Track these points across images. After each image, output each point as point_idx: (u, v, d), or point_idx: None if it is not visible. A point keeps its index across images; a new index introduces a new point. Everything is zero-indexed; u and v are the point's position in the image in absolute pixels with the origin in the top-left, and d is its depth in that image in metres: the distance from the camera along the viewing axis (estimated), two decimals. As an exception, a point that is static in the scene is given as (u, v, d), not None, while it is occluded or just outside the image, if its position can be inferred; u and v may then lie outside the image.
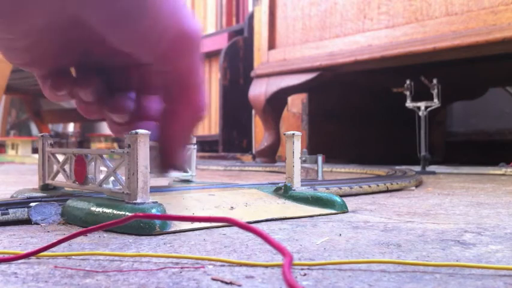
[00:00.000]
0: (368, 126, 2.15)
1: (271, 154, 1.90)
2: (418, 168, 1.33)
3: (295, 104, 2.12)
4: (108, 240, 0.34)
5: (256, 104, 1.89)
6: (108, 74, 0.38)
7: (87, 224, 0.38)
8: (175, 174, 0.59)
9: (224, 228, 0.39)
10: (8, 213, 0.41)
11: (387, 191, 0.74)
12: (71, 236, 0.29)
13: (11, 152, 2.40)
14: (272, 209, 0.47)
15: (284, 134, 0.52)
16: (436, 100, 1.33)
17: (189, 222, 0.38)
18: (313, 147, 1.93)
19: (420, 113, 1.35)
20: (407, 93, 1.37)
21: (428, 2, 1.40)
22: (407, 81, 1.39)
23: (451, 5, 1.35)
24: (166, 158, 0.38)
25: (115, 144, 2.90)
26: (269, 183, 0.59)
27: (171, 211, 0.40)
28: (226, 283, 0.24)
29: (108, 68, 0.38)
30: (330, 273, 0.26)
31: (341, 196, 0.54)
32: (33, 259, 0.29)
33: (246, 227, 0.25)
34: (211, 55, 2.64)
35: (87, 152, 0.45)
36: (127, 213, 0.37)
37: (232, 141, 2.47)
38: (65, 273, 0.26)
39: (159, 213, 0.37)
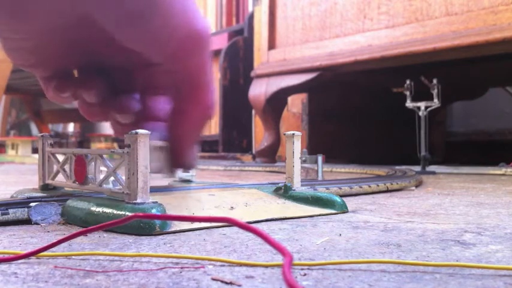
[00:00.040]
0: (368, 126, 2.15)
1: (271, 154, 1.90)
2: (418, 168, 1.33)
3: (295, 104, 2.12)
4: (108, 240, 0.34)
5: (256, 104, 1.89)
6: (112, 76, 0.38)
7: (87, 224, 0.38)
8: (182, 174, 0.59)
9: (224, 228, 0.39)
10: (8, 213, 0.41)
11: (387, 191, 0.74)
12: (71, 236, 0.29)
13: (11, 152, 2.40)
14: (272, 209, 0.47)
15: (284, 134, 0.52)
16: (436, 100, 1.33)
17: (189, 222, 0.38)
18: (313, 147, 1.93)
19: (420, 113, 1.35)
20: (407, 93, 1.37)
21: (428, 2, 1.40)
22: (407, 81, 1.39)
23: (451, 5, 1.35)
24: (176, 158, 0.38)
25: (115, 144, 2.90)
26: (269, 183, 0.59)
27: (171, 211, 0.40)
28: (226, 283, 0.24)
29: (113, 69, 0.38)
30: (330, 273, 0.26)
31: (341, 196, 0.54)
32: (33, 259, 0.29)
33: (246, 227, 0.25)
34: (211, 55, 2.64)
35: (87, 152, 0.45)
36: (127, 213, 0.37)
37: (232, 141, 2.47)
38: (65, 273, 0.26)
39: (159, 213, 0.37)
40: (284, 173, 0.53)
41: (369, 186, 0.71)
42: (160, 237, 0.36)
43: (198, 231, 0.38)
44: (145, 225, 0.36)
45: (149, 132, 0.38)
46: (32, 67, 0.35)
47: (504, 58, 1.55)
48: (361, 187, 0.70)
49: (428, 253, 0.31)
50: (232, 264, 0.28)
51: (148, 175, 0.39)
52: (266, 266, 0.27)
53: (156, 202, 0.39)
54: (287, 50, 1.80)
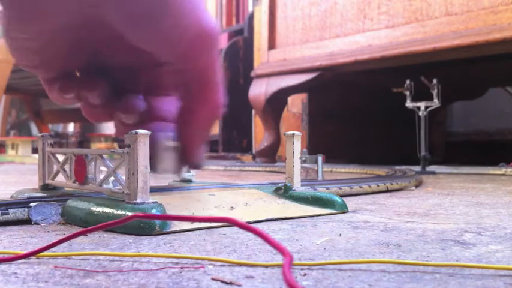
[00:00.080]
0: (368, 126, 2.15)
1: (271, 154, 1.90)
2: (418, 168, 1.33)
3: (295, 104, 2.12)
4: (108, 240, 0.34)
5: (256, 104, 1.89)
6: (115, 76, 0.38)
7: (87, 224, 0.38)
8: (183, 174, 0.59)
9: (224, 228, 0.39)
10: (8, 213, 0.41)
11: (387, 191, 0.74)
12: (71, 236, 0.29)
13: (11, 152, 2.40)
14: (272, 209, 0.47)
15: (284, 134, 0.52)
16: (436, 100, 1.33)
17: (189, 222, 0.38)
18: (313, 147, 1.93)
19: (420, 113, 1.35)
20: (407, 93, 1.37)
21: (428, 2, 1.40)
22: (407, 81, 1.39)
23: (451, 5, 1.35)
24: (184, 157, 0.38)
25: (115, 144, 2.90)
26: (269, 183, 0.59)
27: (171, 211, 0.40)
28: (226, 283, 0.24)
29: (116, 69, 0.38)
30: (330, 273, 0.26)
31: (341, 196, 0.54)
32: (33, 259, 0.29)
33: (246, 227, 0.25)
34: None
35: (87, 152, 0.45)
36: (127, 213, 0.37)
37: (232, 141, 2.47)
38: (65, 273, 0.26)
39: (159, 213, 0.37)
40: (284, 173, 0.53)
41: (369, 186, 0.71)
42: (160, 237, 0.36)
43: (198, 231, 0.38)
44: (145, 225, 0.36)
45: (149, 132, 0.38)
46: (36, 68, 0.35)
47: (504, 58, 1.55)
48: (361, 187, 0.70)
49: (428, 253, 0.31)
50: (232, 264, 0.28)
51: (148, 175, 0.39)
52: (266, 266, 0.27)
53: (156, 202, 0.39)
54: (287, 50, 1.80)
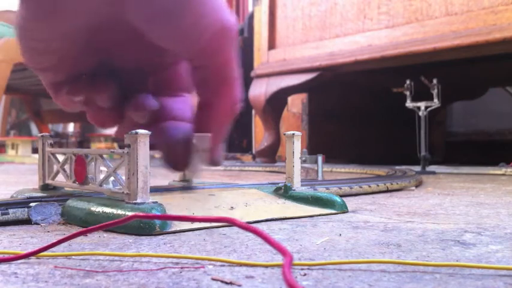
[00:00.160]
0: (368, 126, 2.15)
1: (271, 154, 1.90)
2: (418, 168, 1.33)
3: (295, 104, 2.12)
4: (108, 240, 0.34)
5: (256, 104, 1.89)
6: (125, 78, 0.38)
7: (87, 224, 0.38)
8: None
9: (224, 228, 0.39)
10: (8, 213, 0.41)
11: (387, 191, 0.74)
12: (71, 236, 0.29)
13: (11, 152, 2.40)
14: (272, 209, 0.47)
15: (284, 134, 0.52)
16: (436, 100, 1.33)
17: (189, 222, 0.38)
18: (313, 147, 1.93)
19: (420, 113, 1.35)
20: (407, 93, 1.37)
21: (428, 2, 1.40)
22: (407, 81, 1.39)
23: (451, 5, 1.35)
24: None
25: (115, 144, 2.90)
26: (269, 183, 0.59)
27: (171, 211, 0.40)
28: (226, 283, 0.24)
29: (127, 71, 0.38)
30: (330, 273, 0.26)
31: (341, 196, 0.53)
32: (33, 259, 0.29)
33: (246, 227, 0.25)
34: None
35: (87, 152, 0.45)
36: (127, 213, 0.37)
37: (232, 141, 2.47)
38: (65, 273, 0.26)
39: (159, 213, 0.37)
40: (284, 173, 0.53)
41: (369, 186, 0.71)
42: (161, 237, 0.36)
43: (198, 231, 0.38)
44: (145, 225, 0.36)
45: (149, 132, 0.38)
46: (47, 70, 0.34)
47: (504, 58, 1.55)
48: (361, 187, 0.70)
49: (428, 253, 0.31)
50: (232, 264, 0.28)
51: (148, 175, 0.39)
52: (266, 266, 0.27)
53: (156, 202, 0.39)
54: (287, 50, 1.80)
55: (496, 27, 1.25)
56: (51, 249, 0.29)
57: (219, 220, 0.26)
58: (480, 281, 0.24)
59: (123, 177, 0.39)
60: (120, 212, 0.38)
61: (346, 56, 1.57)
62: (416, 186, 0.84)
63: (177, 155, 0.39)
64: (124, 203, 0.39)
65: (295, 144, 0.51)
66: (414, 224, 0.43)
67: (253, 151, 2.30)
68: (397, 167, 1.32)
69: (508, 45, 1.26)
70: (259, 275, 0.25)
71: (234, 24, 0.33)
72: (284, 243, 0.34)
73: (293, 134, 0.51)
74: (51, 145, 0.49)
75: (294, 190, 0.51)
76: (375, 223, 0.43)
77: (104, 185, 0.43)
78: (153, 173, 0.42)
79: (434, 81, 1.35)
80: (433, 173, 1.28)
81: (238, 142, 2.49)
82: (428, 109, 1.35)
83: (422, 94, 1.40)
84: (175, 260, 0.29)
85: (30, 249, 0.29)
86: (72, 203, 0.42)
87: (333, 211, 0.49)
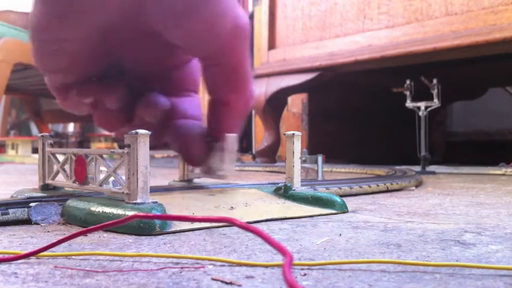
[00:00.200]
0: (368, 126, 2.15)
1: (271, 154, 1.90)
2: (418, 168, 1.33)
3: (295, 104, 2.12)
4: (108, 240, 0.34)
5: (256, 104, 1.89)
6: (134, 79, 0.38)
7: (87, 224, 0.38)
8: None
9: (224, 228, 0.39)
10: (8, 213, 0.41)
11: (387, 191, 0.74)
12: (71, 236, 0.29)
13: (11, 152, 2.40)
14: (272, 209, 0.47)
15: (284, 134, 0.52)
16: (436, 100, 1.33)
17: (189, 222, 0.38)
18: (313, 147, 1.93)
19: (420, 113, 1.35)
20: (407, 93, 1.37)
21: (428, 2, 1.40)
22: (407, 81, 1.39)
23: (451, 5, 1.35)
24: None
25: (115, 144, 2.90)
26: (269, 183, 0.59)
27: (171, 211, 0.40)
28: (226, 283, 0.24)
29: (137, 72, 0.38)
30: (330, 273, 0.26)
31: (341, 196, 0.53)
32: (33, 259, 0.29)
33: (246, 227, 0.25)
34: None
35: (87, 152, 0.45)
36: (127, 213, 0.37)
37: (232, 141, 2.47)
38: (65, 273, 0.26)
39: (159, 213, 0.37)
40: (284, 173, 0.53)
41: (369, 186, 0.71)
42: (161, 237, 0.36)
43: (198, 231, 0.38)
44: (145, 225, 0.36)
45: (149, 132, 0.38)
46: (58, 72, 0.34)
47: (504, 58, 1.55)
48: (361, 187, 0.70)
49: (428, 253, 0.31)
50: (232, 264, 0.28)
51: (148, 175, 0.39)
52: (266, 266, 0.27)
53: (156, 202, 0.39)
54: (287, 50, 1.80)
55: (496, 27, 1.25)
56: (51, 249, 0.29)
57: (219, 220, 0.26)
58: (480, 281, 0.24)
59: (123, 177, 0.39)
60: (120, 212, 0.38)
61: (346, 56, 1.57)
62: (416, 186, 0.84)
63: (194, 150, 0.39)
64: (124, 203, 0.39)
65: (295, 144, 0.51)
66: (414, 224, 0.43)
67: (253, 151, 2.30)
68: (397, 167, 1.31)
69: (508, 45, 1.26)
70: (259, 275, 0.25)
71: (247, 23, 0.34)
72: (284, 243, 0.34)
73: (293, 134, 0.51)
74: (51, 145, 0.49)
75: (294, 190, 0.51)
76: (375, 223, 0.43)
77: (104, 185, 0.43)
78: (153, 173, 0.42)
79: (434, 81, 1.35)
80: (433, 173, 1.28)
81: (238, 142, 2.49)
82: (428, 109, 1.35)
83: (422, 94, 1.40)
84: (175, 260, 0.29)
85: (30, 249, 0.29)
86: (72, 203, 0.42)
87: (333, 211, 0.49)
